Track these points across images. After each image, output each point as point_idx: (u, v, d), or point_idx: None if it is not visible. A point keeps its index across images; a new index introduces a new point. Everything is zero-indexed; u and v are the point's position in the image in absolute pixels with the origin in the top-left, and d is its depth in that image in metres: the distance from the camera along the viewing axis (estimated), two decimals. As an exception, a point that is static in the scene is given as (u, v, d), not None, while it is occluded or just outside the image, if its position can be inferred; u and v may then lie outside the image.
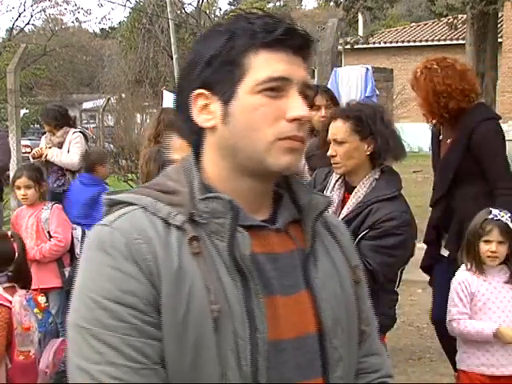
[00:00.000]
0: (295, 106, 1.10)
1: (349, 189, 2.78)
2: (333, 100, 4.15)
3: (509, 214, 3.18)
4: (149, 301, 1.03)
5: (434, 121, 3.66)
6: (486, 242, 3.14)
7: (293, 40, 1.11)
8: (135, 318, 1.02)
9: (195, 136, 1.17)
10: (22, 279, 2.72)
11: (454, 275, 3.24)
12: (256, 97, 1.09)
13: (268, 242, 1.13)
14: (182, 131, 1.20)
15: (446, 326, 3.23)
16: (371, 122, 2.69)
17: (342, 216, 2.71)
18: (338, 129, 2.73)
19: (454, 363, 3.41)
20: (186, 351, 1.03)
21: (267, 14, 1.13)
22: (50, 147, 6.44)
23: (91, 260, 1.07)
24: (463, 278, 3.19)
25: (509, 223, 3.15)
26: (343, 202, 2.78)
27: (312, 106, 3.97)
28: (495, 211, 3.18)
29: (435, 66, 3.49)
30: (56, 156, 6.39)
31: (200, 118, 1.13)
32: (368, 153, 2.70)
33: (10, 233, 2.70)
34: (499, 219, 3.15)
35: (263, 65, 1.10)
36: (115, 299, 1.02)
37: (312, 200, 1.19)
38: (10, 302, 2.59)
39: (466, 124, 3.47)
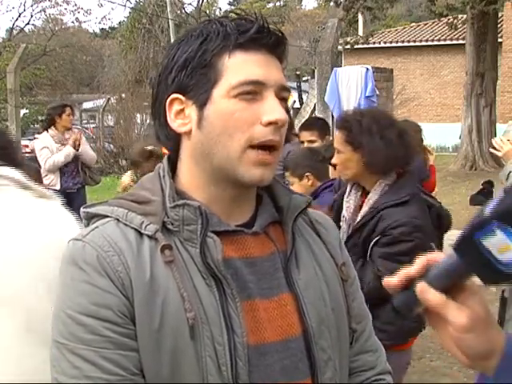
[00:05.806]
0: (271, 109, 1.08)
1: (366, 193, 2.72)
2: None
3: None
4: (123, 313, 1.02)
5: None
6: None
7: (266, 38, 1.09)
8: (110, 331, 1.01)
9: (172, 142, 1.15)
10: None
11: None
12: (232, 101, 1.07)
13: (244, 246, 1.12)
14: (159, 138, 1.18)
15: None
16: (358, 133, 2.61)
17: (356, 221, 2.68)
18: (336, 138, 2.73)
19: None
20: (164, 360, 1.02)
21: (240, 16, 1.12)
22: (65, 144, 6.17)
23: (65, 275, 1.07)
24: None
25: None
26: (361, 206, 2.73)
27: None
28: None
29: None
30: (85, 148, 6.22)
31: (175, 123, 1.12)
32: (363, 163, 2.62)
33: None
34: None
35: (238, 67, 1.08)
36: (89, 313, 1.02)
37: (291, 200, 1.19)
38: None
39: None
